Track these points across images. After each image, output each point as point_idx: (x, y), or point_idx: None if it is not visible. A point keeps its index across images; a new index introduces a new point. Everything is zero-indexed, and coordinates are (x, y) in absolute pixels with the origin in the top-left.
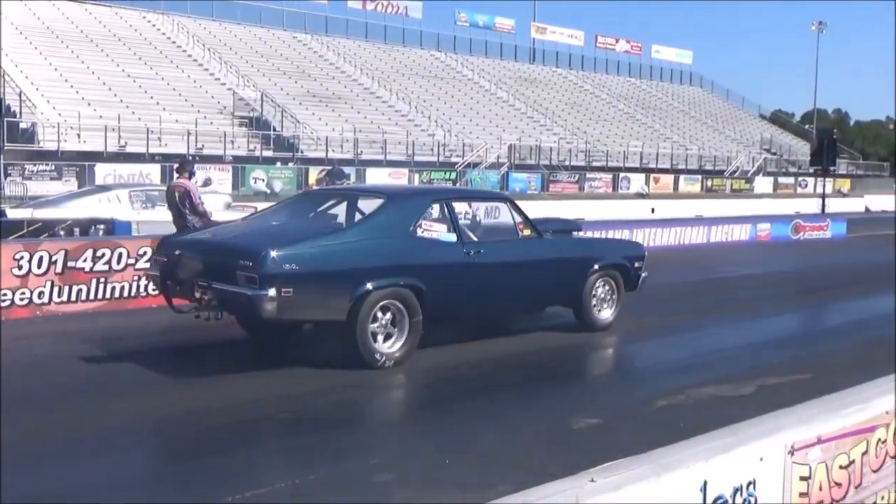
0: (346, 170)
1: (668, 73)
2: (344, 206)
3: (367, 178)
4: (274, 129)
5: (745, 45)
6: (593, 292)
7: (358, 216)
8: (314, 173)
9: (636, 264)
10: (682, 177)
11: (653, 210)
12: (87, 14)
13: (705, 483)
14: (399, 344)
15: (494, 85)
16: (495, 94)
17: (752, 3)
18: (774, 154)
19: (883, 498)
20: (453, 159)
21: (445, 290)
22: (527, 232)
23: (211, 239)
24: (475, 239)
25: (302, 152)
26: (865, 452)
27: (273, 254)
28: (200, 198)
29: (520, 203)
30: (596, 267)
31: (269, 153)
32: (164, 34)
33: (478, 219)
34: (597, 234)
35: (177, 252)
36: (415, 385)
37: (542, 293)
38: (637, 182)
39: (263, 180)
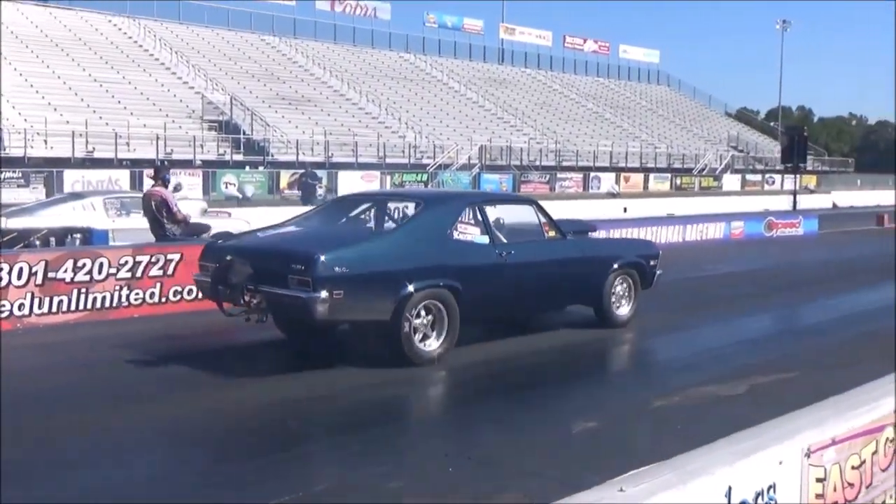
0: (318, 173)
1: (635, 72)
2: (374, 210)
3: (339, 181)
4: (244, 133)
5: (711, 44)
6: (613, 290)
7: (390, 220)
8: (286, 177)
9: (651, 262)
10: (651, 175)
11: (625, 209)
12: (51, 18)
13: (730, 489)
14: (438, 342)
15: (464, 86)
16: (465, 95)
17: (717, 3)
18: (741, 151)
19: (891, 497)
20: (424, 161)
21: (480, 290)
22: (552, 233)
23: (260, 244)
24: (504, 241)
25: (272, 156)
26: (875, 452)
27: (325, 257)
28: (177, 205)
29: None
30: (615, 266)
31: (239, 157)
32: (130, 38)
33: (501, 221)
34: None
35: (228, 257)
36: (452, 382)
37: (567, 291)
38: (608, 181)
39: (234, 185)
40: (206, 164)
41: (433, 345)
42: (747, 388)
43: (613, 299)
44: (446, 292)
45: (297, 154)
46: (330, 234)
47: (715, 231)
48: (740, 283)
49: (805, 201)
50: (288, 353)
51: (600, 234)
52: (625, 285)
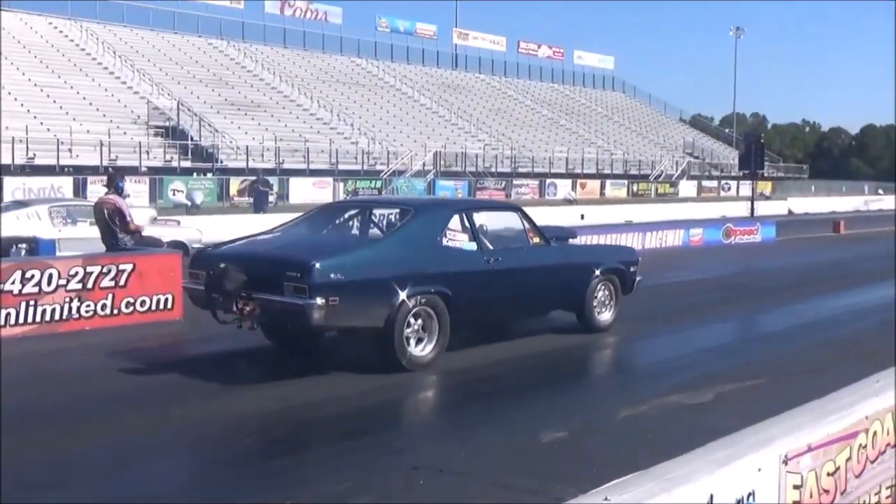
0: (269, 179)
1: (590, 78)
2: (363, 217)
3: (291, 188)
4: (191, 139)
5: (666, 50)
6: (595, 295)
7: (378, 228)
8: (236, 183)
9: (632, 268)
10: (608, 182)
11: (582, 216)
12: None
13: (711, 496)
14: (430, 347)
15: (417, 91)
16: (418, 100)
17: (671, 10)
18: (697, 158)
19: (865, 503)
20: (378, 167)
21: (469, 297)
22: (536, 239)
23: (254, 251)
24: (491, 247)
25: (221, 162)
26: (849, 458)
27: (321, 264)
28: (131, 214)
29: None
30: (597, 272)
31: (187, 164)
32: (72, 41)
33: (485, 227)
34: None
35: (222, 265)
36: (443, 387)
37: (551, 297)
38: (564, 188)
39: (182, 192)
40: (153, 170)
41: (425, 350)
42: (715, 396)
43: (595, 305)
44: (437, 299)
45: (247, 160)
46: (324, 242)
47: (674, 238)
48: (701, 291)
49: (761, 208)
50: (274, 362)
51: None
52: (606, 291)
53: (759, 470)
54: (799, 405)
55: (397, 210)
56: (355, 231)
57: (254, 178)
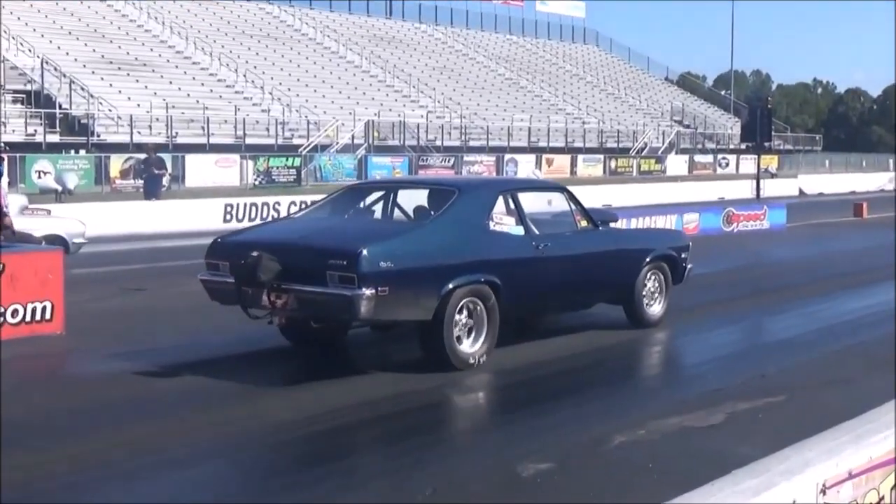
0: (162, 158)
1: (556, 29)
2: (395, 199)
3: (187, 167)
4: (60, 107)
5: None
6: (644, 286)
7: (416, 211)
8: (118, 163)
9: (683, 255)
10: (580, 157)
11: (550, 201)
12: None
13: None
14: (479, 343)
15: (343, 45)
16: (345, 56)
17: None
18: (688, 127)
19: None
20: (296, 141)
21: (518, 287)
22: (583, 223)
23: (288, 238)
24: (537, 232)
25: (99, 136)
26: (894, 486)
27: (370, 251)
28: (7, 206)
29: None
30: (648, 259)
31: (55, 138)
32: None
33: (524, 209)
34: None
35: (254, 253)
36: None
37: (599, 288)
38: (526, 165)
39: (51, 174)
40: (12, 147)
41: (475, 347)
42: (726, 417)
43: (645, 296)
44: (487, 288)
45: (132, 133)
46: (367, 226)
47: (664, 226)
48: (701, 289)
49: (767, 188)
50: (300, 363)
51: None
52: (656, 281)
53: (794, 502)
54: (829, 426)
55: (432, 191)
56: (390, 215)
57: (142, 155)
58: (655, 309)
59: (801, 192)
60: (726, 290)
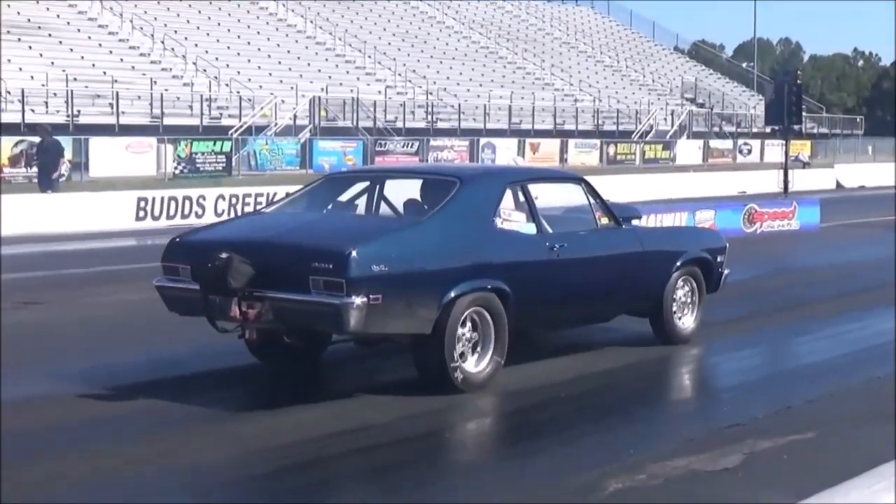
0: (60, 141)
1: None
2: (376, 191)
3: (92, 153)
4: None
5: None
6: (674, 294)
7: (408, 204)
8: (7, 147)
9: (719, 258)
10: (571, 142)
11: (535, 196)
12: None
13: None
14: (485, 362)
15: (283, 6)
16: (285, 19)
17: None
18: (702, 106)
19: None
20: (225, 122)
21: (530, 295)
22: (604, 220)
23: (263, 236)
24: (551, 230)
25: None
26: None
27: (361, 252)
28: None
29: None
30: (679, 262)
31: None
32: None
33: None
34: None
35: (224, 255)
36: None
37: (624, 295)
38: (506, 151)
39: None
40: None
41: (480, 365)
42: (743, 458)
43: (675, 307)
44: (494, 297)
45: (23, 112)
46: (354, 223)
47: (674, 224)
48: (717, 301)
49: (798, 180)
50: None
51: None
52: (688, 288)
53: None
54: (863, 470)
55: (427, 181)
56: (367, 210)
57: (36, 138)
58: (687, 322)
59: (838, 184)
60: (746, 303)
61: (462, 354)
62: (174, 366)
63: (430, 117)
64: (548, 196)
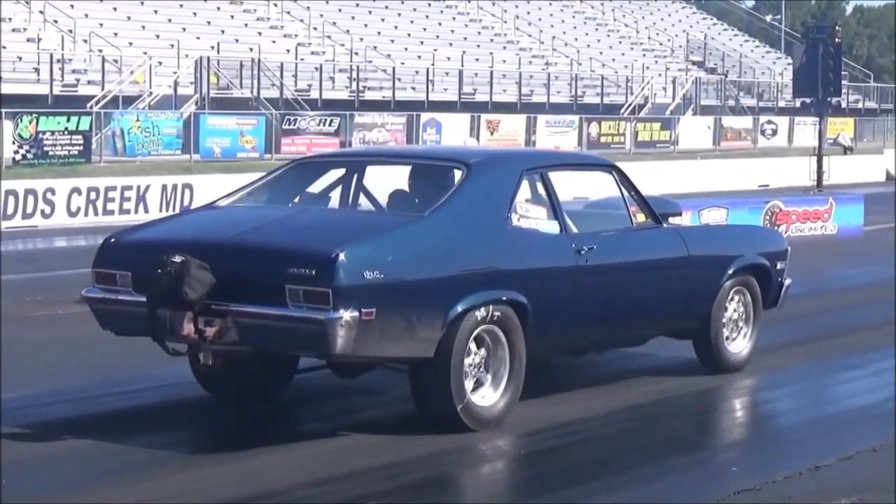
0: None
1: None
2: (354, 179)
3: None
4: None
5: None
6: (724, 311)
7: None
8: None
9: (779, 265)
10: (541, 118)
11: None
12: None
13: None
14: (499, 391)
15: None
16: None
17: None
18: (713, 71)
19: None
20: (83, 90)
21: (551, 309)
22: (640, 217)
23: (224, 235)
24: (576, 230)
25: None
26: None
27: (350, 255)
28: None
29: None
30: (730, 270)
31: None
32: None
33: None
34: None
35: (177, 259)
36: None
37: (665, 313)
38: (455, 129)
39: None
40: None
41: (492, 397)
42: None
43: (726, 326)
44: (510, 311)
45: None
46: (337, 220)
47: None
48: None
49: (837, 170)
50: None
51: None
52: (741, 303)
53: None
54: None
55: (423, 168)
56: (343, 205)
57: None
58: (740, 345)
59: (889, 175)
60: (772, 331)
61: (471, 383)
62: (107, 398)
63: (354, 85)
64: (571, 187)
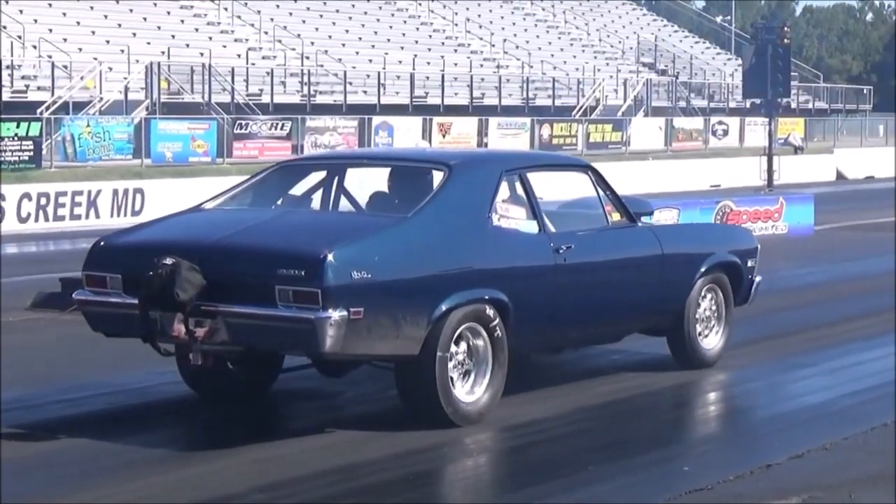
0: None
1: None
2: (335, 182)
3: None
4: None
5: None
6: (698, 307)
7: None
8: None
9: (749, 262)
10: (493, 121)
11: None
12: None
13: None
14: (481, 389)
15: None
16: None
17: None
18: (664, 73)
19: None
20: (33, 96)
21: (531, 307)
22: (616, 216)
23: (211, 237)
24: (553, 229)
25: None
26: None
27: (338, 255)
28: None
29: None
30: (703, 268)
31: None
32: None
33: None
34: None
35: (168, 261)
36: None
37: (641, 309)
38: (407, 132)
39: None
40: None
41: (476, 393)
42: None
43: (699, 322)
44: (492, 310)
45: None
46: (324, 221)
47: None
48: None
49: (788, 169)
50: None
51: None
52: (713, 300)
53: None
54: None
55: (404, 169)
56: (324, 206)
57: None
58: (712, 341)
59: (839, 175)
60: None
61: (454, 380)
62: (101, 398)
63: (306, 89)
64: (548, 187)
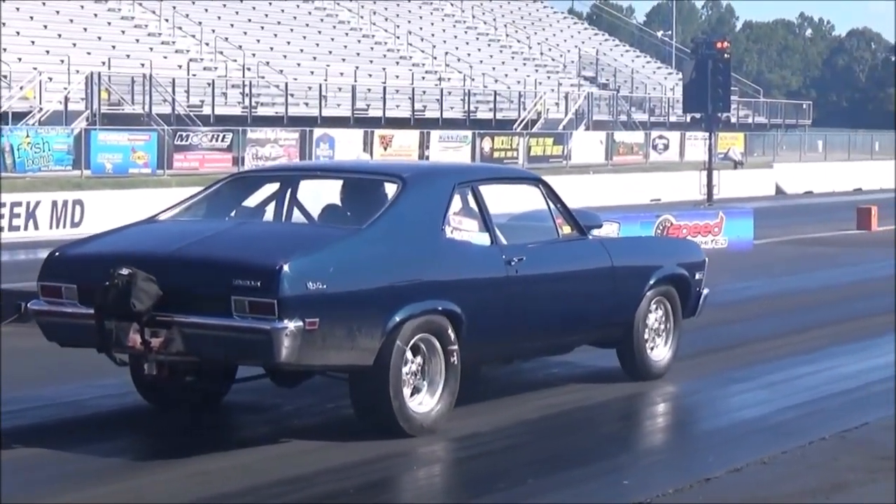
0: None
1: None
2: (288, 194)
3: None
4: None
5: None
6: (647, 319)
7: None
8: None
9: (697, 275)
10: (434, 134)
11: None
12: None
13: None
14: (435, 398)
15: None
16: None
17: None
18: (605, 87)
19: None
20: None
21: (484, 318)
22: (566, 228)
23: (166, 248)
24: (505, 241)
25: None
26: None
27: (294, 266)
28: None
29: None
30: (651, 281)
31: None
32: None
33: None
34: None
35: (125, 271)
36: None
37: (592, 321)
38: (348, 145)
39: None
40: None
41: (428, 404)
42: None
43: (647, 334)
44: (445, 321)
45: None
46: (280, 232)
47: None
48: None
49: (727, 184)
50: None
51: None
52: (662, 312)
53: None
54: None
55: (357, 182)
56: (278, 218)
57: None
58: (661, 352)
59: (778, 190)
60: None
61: (408, 391)
62: (51, 408)
63: (247, 101)
64: (499, 200)
